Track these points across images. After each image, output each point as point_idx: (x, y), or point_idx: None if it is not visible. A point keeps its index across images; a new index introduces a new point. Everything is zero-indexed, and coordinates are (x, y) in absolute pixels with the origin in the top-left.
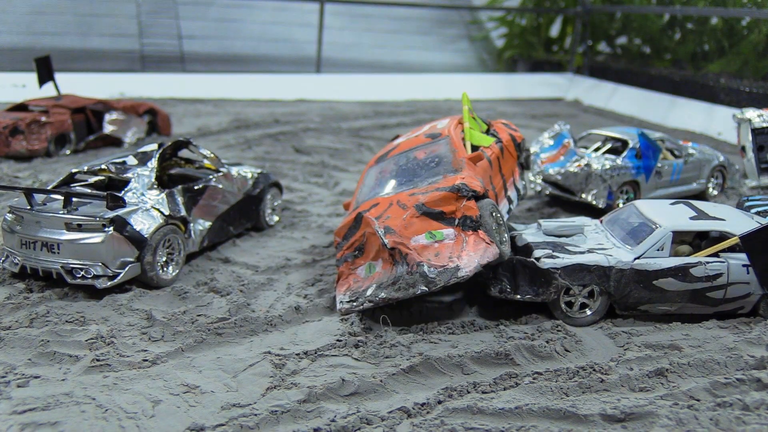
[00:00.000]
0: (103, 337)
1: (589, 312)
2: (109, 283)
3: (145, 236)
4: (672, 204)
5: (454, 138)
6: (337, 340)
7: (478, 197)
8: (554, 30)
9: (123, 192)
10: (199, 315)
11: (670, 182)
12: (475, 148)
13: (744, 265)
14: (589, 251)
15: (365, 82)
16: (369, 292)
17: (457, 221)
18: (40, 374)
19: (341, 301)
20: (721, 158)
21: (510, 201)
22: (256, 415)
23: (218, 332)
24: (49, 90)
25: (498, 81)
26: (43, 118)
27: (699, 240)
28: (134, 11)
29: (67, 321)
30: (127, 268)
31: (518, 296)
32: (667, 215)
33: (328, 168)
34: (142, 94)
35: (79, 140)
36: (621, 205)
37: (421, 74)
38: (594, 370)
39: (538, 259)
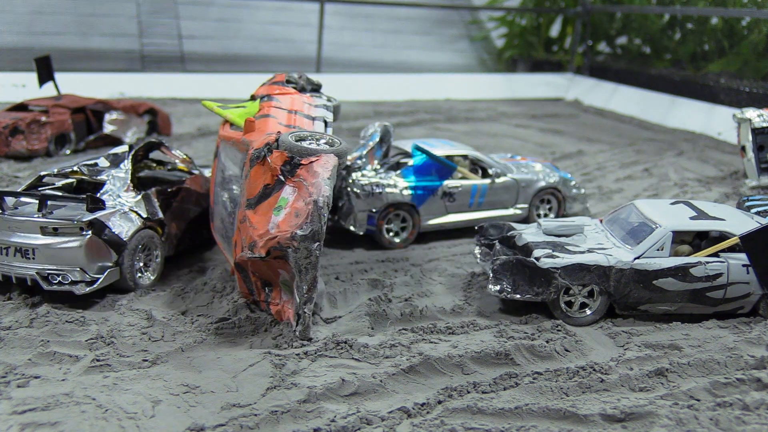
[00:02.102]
0: (103, 337)
1: (588, 312)
2: (87, 289)
3: (125, 239)
4: (672, 203)
5: (226, 135)
6: (337, 342)
7: (274, 143)
8: (554, 30)
9: (99, 194)
10: (199, 315)
11: (469, 207)
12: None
13: (744, 265)
14: (589, 251)
15: (365, 82)
16: (303, 303)
17: (282, 177)
18: (40, 374)
19: (295, 330)
20: (552, 179)
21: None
22: (256, 415)
23: (218, 332)
24: (49, 90)
25: (498, 81)
26: (43, 118)
27: (699, 240)
28: (134, 11)
29: (67, 321)
30: (105, 273)
31: (518, 296)
32: (668, 215)
33: None
34: (142, 94)
35: (79, 140)
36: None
37: (421, 74)
38: (594, 369)
39: (537, 258)
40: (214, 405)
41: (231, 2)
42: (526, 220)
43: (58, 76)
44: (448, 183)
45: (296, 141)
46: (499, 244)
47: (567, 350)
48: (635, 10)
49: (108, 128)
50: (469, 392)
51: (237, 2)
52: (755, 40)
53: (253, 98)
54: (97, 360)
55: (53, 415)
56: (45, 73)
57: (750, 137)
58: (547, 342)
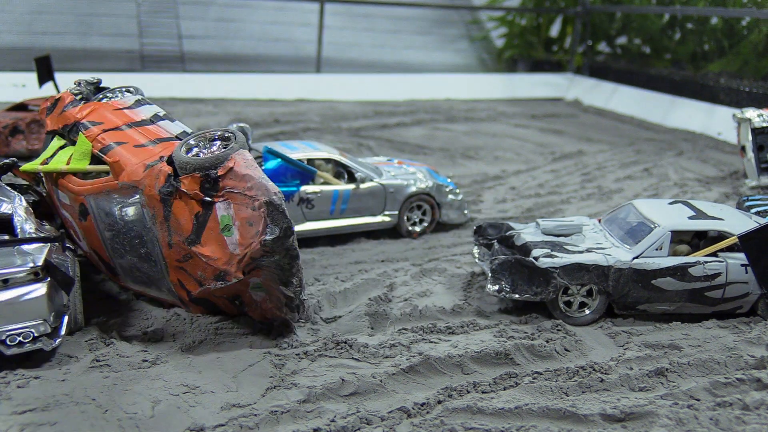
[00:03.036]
0: (103, 337)
1: (588, 311)
2: (56, 342)
3: (73, 276)
4: (670, 203)
5: (87, 188)
6: (337, 342)
7: (172, 172)
8: (554, 30)
9: (18, 229)
10: (199, 315)
11: (330, 214)
12: (98, 160)
13: (743, 265)
14: (588, 251)
15: (365, 82)
16: (299, 293)
17: (208, 198)
18: (40, 374)
19: (300, 318)
20: (424, 185)
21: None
22: (256, 415)
23: (218, 332)
24: (49, 90)
25: (498, 81)
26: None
27: (697, 239)
28: (134, 11)
29: None
30: (64, 318)
31: (517, 295)
32: (666, 215)
33: None
34: None
35: None
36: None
37: (421, 74)
38: (594, 369)
39: (536, 258)
40: (214, 405)
41: (231, 2)
42: (396, 228)
43: (58, 76)
44: (306, 189)
45: (193, 155)
46: (498, 244)
47: (567, 350)
48: (635, 10)
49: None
50: (469, 392)
51: (237, 2)
52: (755, 40)
53: (54, 134)
54: (97, 360)
55: (53, 416)
56: (45, 73)
57: (750, 137)
58: (547, 342)
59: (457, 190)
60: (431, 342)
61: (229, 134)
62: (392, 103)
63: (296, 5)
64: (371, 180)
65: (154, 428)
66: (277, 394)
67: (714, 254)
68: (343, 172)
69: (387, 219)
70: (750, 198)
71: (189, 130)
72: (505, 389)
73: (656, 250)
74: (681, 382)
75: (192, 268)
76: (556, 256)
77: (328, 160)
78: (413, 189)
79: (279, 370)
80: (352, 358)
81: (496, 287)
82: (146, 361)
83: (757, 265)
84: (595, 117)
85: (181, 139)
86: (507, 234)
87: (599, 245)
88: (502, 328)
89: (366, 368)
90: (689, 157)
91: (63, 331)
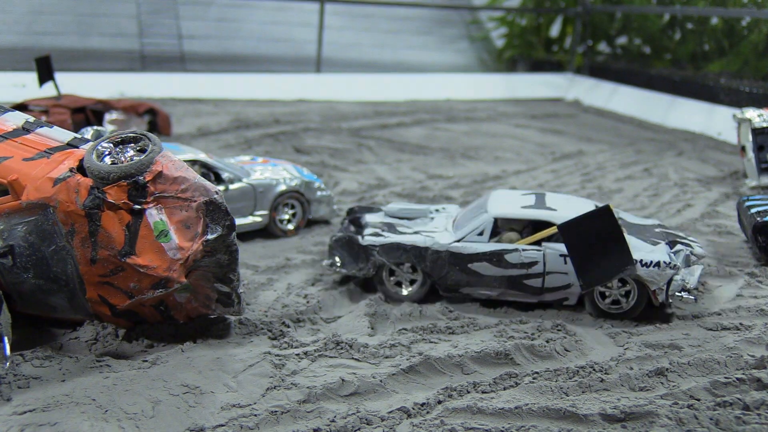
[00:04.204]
0: (102, 338)
1: (408, 290)
2: (6, 364)
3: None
4: (524, 193)
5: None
6: (337, 342)
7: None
8: (554, 30)
9: None
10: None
11: None
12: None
13: (561, 255)
14: (416, 233)
15: (365, 82)
16: (237, 287)
17: (137, 206)
18: (40, 375)
19: (235, 311)
20: (294, 183)
21: None
22: (255, 415)
23: (218, 332)
24: (49, 90)
25: (498, 81)
26: (43, 118)
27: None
28: (134, 11)
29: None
30: (5, 340)
31: (344, 270)
32: (501, 202)
33: (328, 168)
34: (142, 94)
35: None
36: None
37: (421, 74)
38: (594, 369)
39: (363, 236)
40: (214, 405)
41: (231, 2)
42: (267, 228)
43: (58, 76)
44: None
45: (110, 162)
46: (349, 223)
47: (567, 350)
48: (635, 10)
49: (108, 128)
50: (469, 392)
51: (237, 2)
52: (755, 40)
53: None
54: (97, 360)
55: (53, 416)
56: (45, 73)
57: (750, 137)
58: (547, 342)
59: (323, 186)
60: (431, 342)
61: (139, 136)
62: (392, 103)
63: (296, 5)
64: (239, 180)
65: (154, 428)
66: (277, 394)
67: (538, 243)
68: (209, 173)
69: (258, 219)
70: (750, 198)
71: (78, 135)
72: (505, 389)
73: (478, 235)
74: (681, 381)
75: (122, 281)
76: (381, 236)
77: (193, 162)
78: (283, 187)
79: (279, 370)
80: (352, 358)
81: (329, 261)
82: (146, 361)
83: (575, 255)
84: (595, 117)
85: (75, 146)
86: (357, 214)
87: (432, 229)
88: (502, 328)
89: (366, 368)
90: (689, 157)
91: (8, 352)
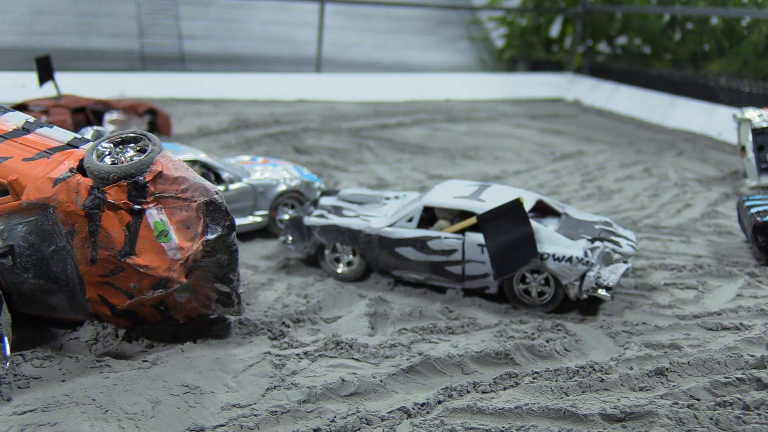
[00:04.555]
0: (102, 338)
1: (347, 268)
2: (6, 364)
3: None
4: (469, 184)
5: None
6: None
7: (93, 185)
8: (554, 30)
9: None
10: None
11: None
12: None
13: (479, 245)
14: (356, 216)
15: (365, 82)
16: (237, 287)
17: (137, 206)
18: (40, 375)
19: (235, 311)
20: (294, 183)
21: None
22: (256, 415)
23: (218, 332)
24: (49, 90)
25: (498, 81)
26: (43, 118)
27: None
28: (134, 11)
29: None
30: (5, 340)
31: (292, 247)
32: (438, 192)
33: (328, 168)
34: (142, 94)
35: None
36: None
37: (421, 74)
38: (594, 369)
39: (308, 217)
40: (214, 405)
41: (231, 2)
42: (268, 228)
43: (58, 76)
44: None
45: (110, 162)
46: (310, 204)
47: (567, 350)
48: (635, 10)
49: (108, 128)
50: (469, 392)
51: (237, 2)
52: (755, 40)
53: None
54: (97, 360)
55: (53, 416)
56: (45, 73)
57: (750, 137)
58: (547, 342)
59: (323, 186)
60: (431, 342)
61: (139, 136)
62: (392, 103)
63: (296, 5)
64: (239, 180)
65: (154, 428)
66: (277, 394)
67: (463, 233)
68: (209, 173)
69: (258, 220)
70: (750, 198)
71: (78, 135)
72: (505, 389)
73: (407, 221)
74: (681, 381)
75: (122, 281)
76: (324, 217)
77: (193, 162)
78: (283, 187)
79: (279, 370)
80: (352, 358)
81: (282, 239)
82: (146, 361)
83: (490, 245)
84: (595, 117)
85: (75, 147)
86: (317, 198)
87: (374, 214)
88: (502, 328)
89: (366, 368)
90: (689, 157)
91: (8, 352)
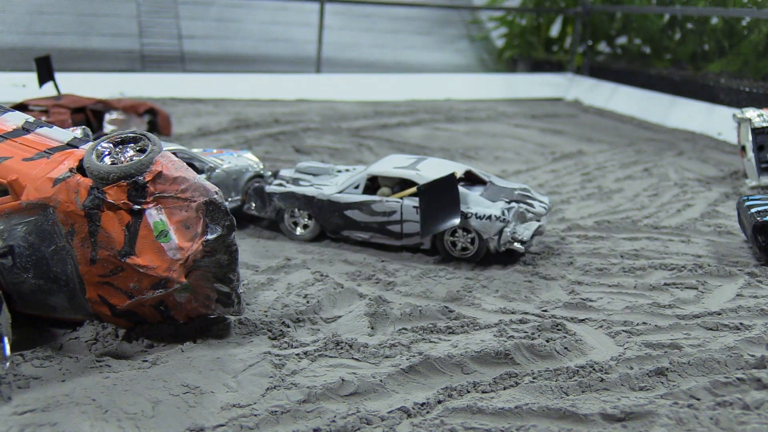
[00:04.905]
0: (103, 338)
1: (303, 230)
2: (6, 365)
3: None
4: (408, 157)
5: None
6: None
7: (93, 185)
8: (554, 30)
9: None
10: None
11: None
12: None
13: (414, 207)
14: (311, 185)
15: (365, 82)
16: (237, 287)
17: (137, 206)
18: (40, 375)
19: (235, 312)
20: (258, 167)
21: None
22: (255, 415)
23: (218, 332)
24: (49, 90)
25: (498, 81)
26: (43, 118)
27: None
28: (134, 11)
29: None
30: (5, 340)
31: (255, 212)
32: (382, 163)
33: None
34: (142, 94)
35: None
36: None
37: (421, 74)
38: (594, 369)
39: (269, 185)
40: (214, 405)
41: (231, 2)
42: (238, 209)
43: (58, 76)
44: None
45: (110, 162)
46: (272, 176)
47: (567, 349)
48: (635, 10)
49: (108, 128)
50: (469, 392)
51: (237, 2)
52: (755, 40)
53: None
54: (97, 360)
55: (53, 416)
56: (45, 73)
57: (750, 137)
58: (547, 341)
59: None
60: (431, 342)
61: (139, 136)
62: (392, 103)
63: (296, 5)
64: (216, 169)
65: (154, 428)
66: (277, 394)
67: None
68: (192, 161)
69: (233, 205)
70: (750, 198)
71: (78, 135)
72: (505, 389)
73: (354, 188)
74: (681, 381)
75: (122, 281)
76: (283, 186)
77: (173, 152)
78: (252, 173)
79: (279, 370)
80: (352, 358)
81: (247, 206)
82: (146, 361)
83: (422, 208)
84: (595, 117)
85: (74, 147)
86: (278, 169)
87: (326, 183)
88: (502, 328)
89: (366, 368)
90: (689, 157)
91: (8, 352)
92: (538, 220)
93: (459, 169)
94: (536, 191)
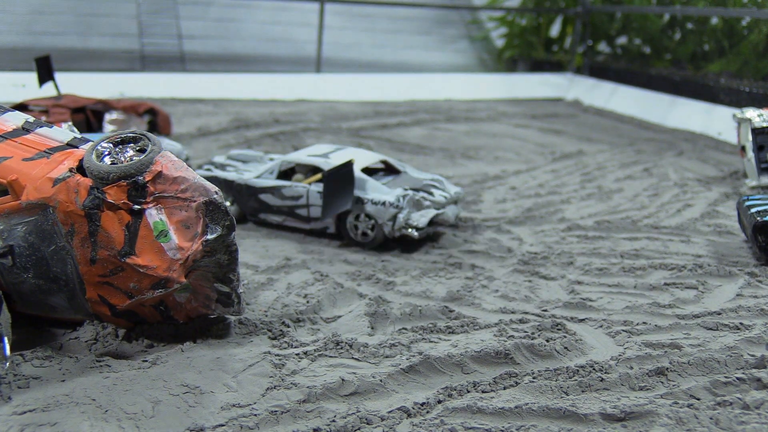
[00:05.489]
0: (103, 338)
1: None
2: (6, 365)
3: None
4: (329, 146)
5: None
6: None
7: (93, 185)
8: (554, 30)
9: None
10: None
11: None
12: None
13: (318, 192)
14: (235, 171)
15: (365, 82)
16: (237, 287)
17: (137, 206)
18: (40, 375)
19: (235, 311)
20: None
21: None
22: (255, 415)
23: (218, 332)
24: (49, 90)
25: (498, 81)
26: (43, 118)
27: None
28: (134, 11)
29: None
30: (5, 340)
31: None
32: (298, 152)
33: None
34: (142, 94)
35: None
36: None
37: (421, 74)
38: (594, 369)
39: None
40: (214, 405)
41: (231, 2)
42: None
43: (58, 76)
44: None
45: (110, 162)
46: (209, 163)
47: (567, 349)
48: (635, 10)
49: (108, 128)
50: (468, 392)
51: (237, 2)
52: (755, 40)
53: None
54: (97, 360)
55: (53, 416)
56: (45, 73)
57: (750, 137)
58: (547, 341)
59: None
60: (431, 341)
61: (139, 136)
62: (392, 103)
63: (296, 5)
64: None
65: (154, 428)
66: (277, 394)
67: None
68: None
69: None
70: (750, 198)
71: (78, 135)
72: (505, 389)
73: (269, 174)
74: (681, 381)
75: (122, 281)
76: (209, 171)
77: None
78: (187, 153)
79: (279, 370)
80: (352, 357)
81: None
82: (146, 361)
83: (324, 193)
84: (595, 117)
85: (74, 146)
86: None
87: (250, 170)
88: (502, 328)
89: (366, 368)
90: (689, 157)
91: (8, 352)
92: (438, 209)
93: (373, 158)
94: (449, 183)
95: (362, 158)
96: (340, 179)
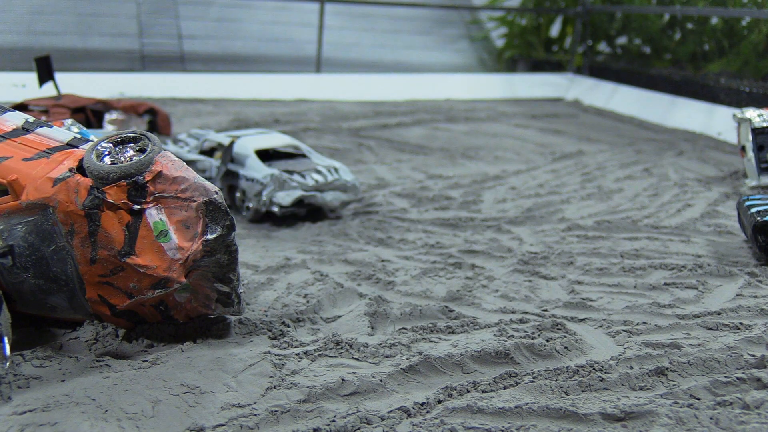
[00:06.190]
0: (103, 338)
1: None
2: (6, 364)
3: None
4: (263, 130)
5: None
6: (337, 342)
7: (92, 185)
8: (554, 30)
9: None
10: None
11: None
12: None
13: (217, 167)
14: (183, 146)
15: (365, 82)
16: (237, 287)
17: (137, 206)
18: (40, 375)
19: (235, 311)
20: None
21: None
22: (255, 415)
23: (218, 332)
24: (49, 90)
25: (498, 81)
26: (43, 118)
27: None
28: (134, 11)
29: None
30: (4, 340)
31: None
32: (221, 134)
33: None
34: (142, 94)
35: None
36: None
37: (421, 74)
38: (594, 368)
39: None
40: (213, 405)
41: (231, 2)
42: None
43: (58, 76)
44: None
45: (110, 162)
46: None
47: (567, 349)
48: (635, 10)
49: (108, 128)
50: (468, 391)
51: (237, 2)
52: (755, 40)
53: None
54: (97, 360)
55: (53, 416)
56: (45, 73)
57: (750, 137)
58: (547, 341)
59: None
60: (431, 341)
61: (139, 135)
62: (392, 103)
63: (296, 5)
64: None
65: (154, 428)
66: (277, 394)
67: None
68: None
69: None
70: (750, 198)
71: (78, 135)
72: (505, 388)
73: (195, 150)
74: (681, 381)
75: (122, 281)
76: (165, 144)
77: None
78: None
79: (279, 370)
80: (352, 357)
81: None
82: (146, 361)
83: (220, 169)
84: (595, 117)
85: (74, 146)
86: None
87: (187, 148)
88: (502, 328)
89: (366, 368)
90: (689, 157)
91: (8, 352)
92: (306, 191)
93: (283, 142)
94: (347, 172)
95: (274, 141)
96: (231, 159)
